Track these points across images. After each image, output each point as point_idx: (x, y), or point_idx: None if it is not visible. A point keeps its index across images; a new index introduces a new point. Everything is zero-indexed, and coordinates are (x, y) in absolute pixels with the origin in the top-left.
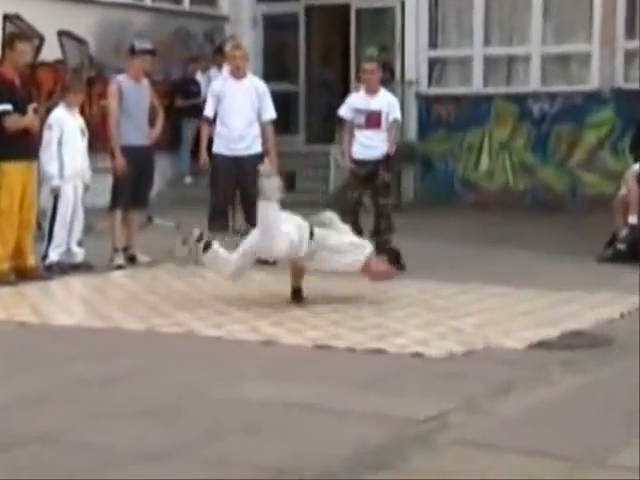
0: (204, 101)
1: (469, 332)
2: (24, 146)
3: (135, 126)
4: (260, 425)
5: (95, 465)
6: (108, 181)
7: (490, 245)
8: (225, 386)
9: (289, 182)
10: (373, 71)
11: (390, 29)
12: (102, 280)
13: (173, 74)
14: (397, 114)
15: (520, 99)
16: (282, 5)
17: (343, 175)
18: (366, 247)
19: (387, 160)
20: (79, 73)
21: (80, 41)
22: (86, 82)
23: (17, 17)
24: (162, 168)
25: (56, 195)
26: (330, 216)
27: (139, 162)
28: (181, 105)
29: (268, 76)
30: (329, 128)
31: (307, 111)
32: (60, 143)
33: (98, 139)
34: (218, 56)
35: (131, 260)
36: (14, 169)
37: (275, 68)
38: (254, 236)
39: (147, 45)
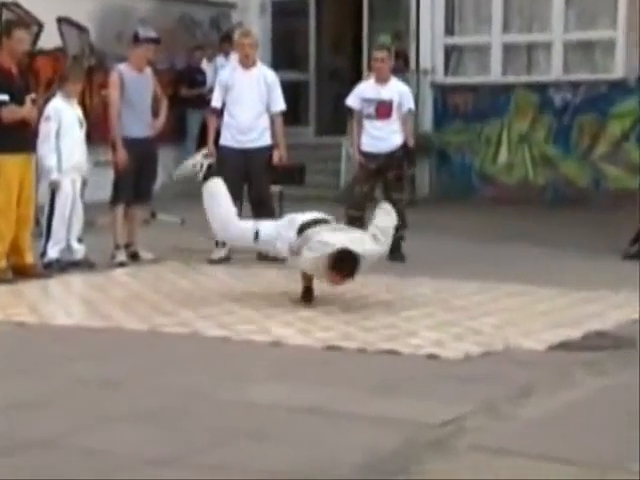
0: (210, 91)
1: (487, 333)
2: (22, 138)
3: (137, 117)
4: (267, 430)
5: (95, 471)
6: (109, 175)
7: (509, 242)
8: (231, 389)
9: (298, 176)
10: (384, 59)
11: (404, 15)
12: (103, 278)
13: (177, 63)
14: (411, 104)
15: (541, 88)
16: None
17: (353, 168)
18: (330, 246)
19: (408, 153)
20: (79, 61)
21: (80, 28)
22: (86, 71)
23: (14, 3)
24: (166, 161)
25: (53, 190)
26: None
27: (141, 155)
28: (186, 95)
29: (277, 65)
30: (340, 119)
31: (317, 101)
32: (58, 135)
33: (99, 131)
34: (225, 44)
35: (133, 257)
36: (11, 162)
37: (284, 56)
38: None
39: (151, 33)
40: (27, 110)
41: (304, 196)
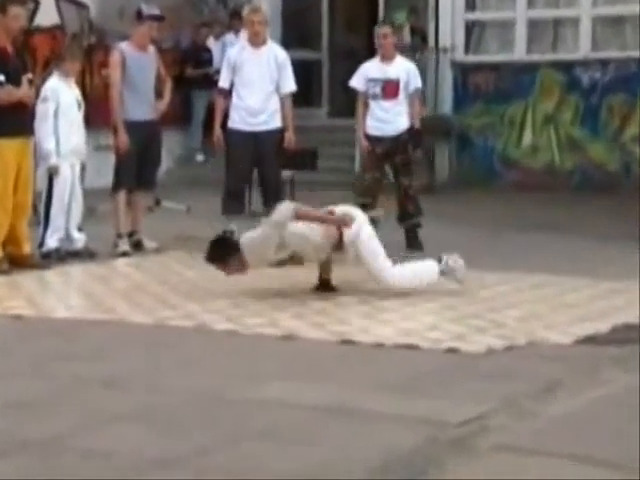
0: (217, 71)
1: (510, 326)
2: (19, 121)
3: (140, 99)
4: (278, 430)
5: (96, 473)
6: (111, 160)
7: (533, 230)
8: (240, 386)
9: (310, 160)
10: (386, 35)
11: None
12: (105, 269)
13: (183, 41)
14: (419, 82)
15: (568, 67)
16: None
17: (361, 155)
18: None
19: (414, 135)
20: (78, 40)
21: (80, 4)
22: (86, 50)
23: None
24: (170, 145)
25: (51, 175)
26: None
27: (144, 138)
28: (191, 75)
29: (288, 43)
30: (355, 100)
31: (330, 82)
32: (56, 117)
33: (100, 113)
34: (235, 21)
35: (137, 247)
36: (8, 146)
37: (295, 34)
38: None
39: (155, 10)
40: (24, 91)
41: (317, 182)
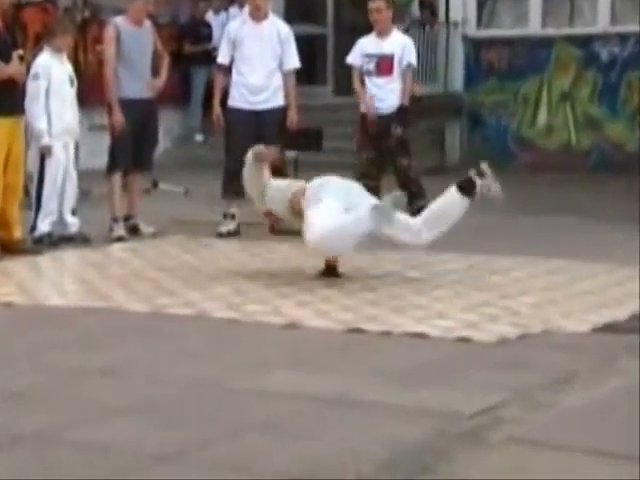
0: (216, 47)
1: (524, 313)
2: (9, 99)
3: (136, 76)
4: (281, 422)
5: (93, 467)
6: (105, 140)
7: (548, 213)
8: (241, 377)
9: (315, 140)
10: (379, 9)
11: None
12: (100, 254)
13: (181, 15)
14: (412, 58)
15: (585, 42)
16: None
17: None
18: None
19: (400, 113)
20: (70, 14)
21: None
22: (79, 25)
23: None
24: (168, 124)
25: (43, 156)
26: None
27: (141, 118)
28: (190, 51)
29: (291, 18)
30: None
31: (336, 58)
32: (47, 94)
33: (94, 91)
34: None
35: (133, 231)
36: None
37: (299, 8)
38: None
39: None
40: (14, 68)
41: (321, 163)
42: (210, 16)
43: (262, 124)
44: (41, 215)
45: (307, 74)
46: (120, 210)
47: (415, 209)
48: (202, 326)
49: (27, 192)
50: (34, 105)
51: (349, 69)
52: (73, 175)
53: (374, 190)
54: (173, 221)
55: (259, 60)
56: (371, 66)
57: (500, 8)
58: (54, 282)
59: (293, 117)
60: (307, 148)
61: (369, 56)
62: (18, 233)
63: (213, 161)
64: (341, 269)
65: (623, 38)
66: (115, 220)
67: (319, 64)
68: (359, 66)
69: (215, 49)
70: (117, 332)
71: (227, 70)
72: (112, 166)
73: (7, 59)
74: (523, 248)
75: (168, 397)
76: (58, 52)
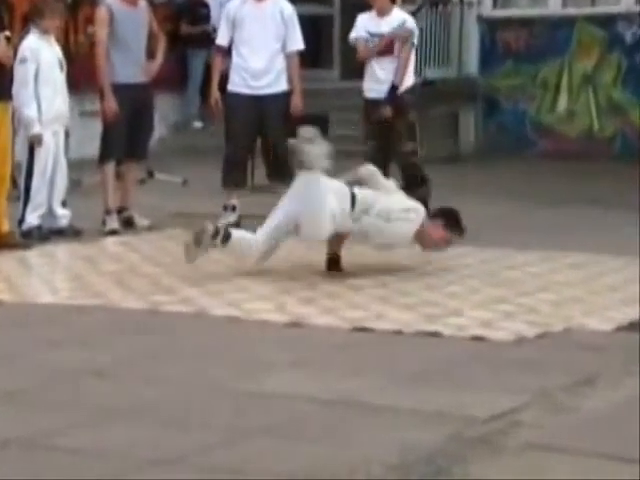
0: (215, 28)
1: (544, 311)
2: None
3: (130, 59)
4: (286, 425)
5: (87, 474)
6: (98, 127)
7: (569, 204)
8: (243, 378)
9: (320, 128)
10: None
11: None
12: (92, 249)
13: None
14: (413, 37)
15: (608, 22)
16: None
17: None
18: (420, 210)
19: (390, 92)
20: None
21: None
22: (69, 5)
23: None
24: (165, 110)
25: (32, 145)
26: (370, 171)
27: (135, 103)
28: (188, 32)
29: None
30: None
31: (343, 40)
32: (36, 79)
33: (85, 76)
34: None
35: (127, 224)
36: None
37: None
38: (287, 211)
39: None
40: (1, 50)
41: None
42: None
43: (264, 110)
44: (30, 207)
45: (312, 57)
46: (113, 202)
47: (419, 195)
48: (201, 324)
49: (15, 183)
50: (23, 91)
51: (356, 51)
52: (63, 165)
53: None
54: (170, 213)
55: (260, 42)
56: (371, 46)
57: None
58: (44, 278)
59: (297, 102)
60: None
61: (371, 35)
62: (5, 226)
63: (212, 149)
64: (347, 264)
65: None
66: (108, 212)
67: (325, 46)
68: (363, 37)
69: (214, 30)
70: (112, 331)
71: (226, 52)
72: (105, 155)
73: None
74: (542, 241)
75: (165, 399)
76: (46, 34)
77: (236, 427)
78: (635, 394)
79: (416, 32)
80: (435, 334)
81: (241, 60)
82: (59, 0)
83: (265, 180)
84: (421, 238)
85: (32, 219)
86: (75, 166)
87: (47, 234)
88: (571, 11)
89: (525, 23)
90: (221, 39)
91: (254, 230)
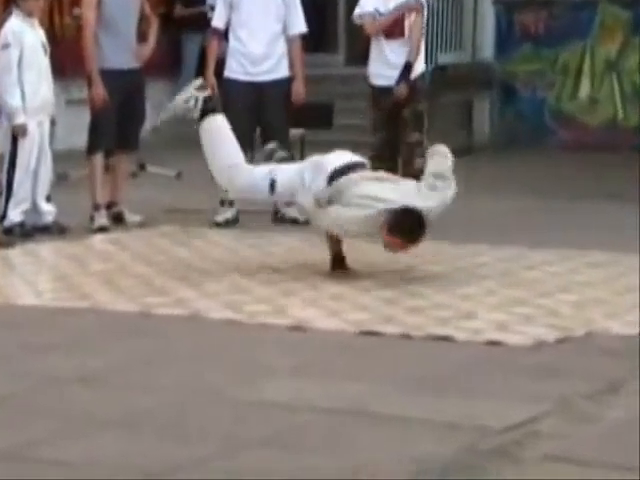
0: (212, 8)
1: (564, 313)
2: None
3: (120, 43)
4: (288, 436)
5: None
6: (85, 116)
7: (591, 199)
8: (242, 385)
9: (324, 116)
10: None
11: None
12: (79, 247)
13: None
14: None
15: (633, 2)
16: None
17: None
18: (387, 204)
19: (405, 70)
20: None
21: None
22: None
23: None
24: (157, 98)
25: (15, 136)
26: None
27: (126, 90)
28: (182, 14)
29: None
30: None
31: (348, 22)
32: (20, 65)
33: (71, 61)
34: None
35: (117, 220)
36: None
37: None
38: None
39: None
40: None
41: (332, 141)
42: None
43: (264, 98)
44: (12, 203)
45: (315, 40)
46: (102, 196)
47: None
48: (196, 328)
49: None
50: (6, 78)
51: (363, 35)
52: (48, 157)
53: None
54: (163, 209)
55: (260, 24)
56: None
57: None
58: (27, 279)
59: (299, 90)
60: (316, 125)
61: (379, 14)
62: None
63: None
64: (353, 263)
65: None
66: (96, 208)
67: (329, 29)
68: (371, 12)
69: (212, 9)
70: (100, 335)
71: (223, 35)
72: (93, 146)
73: None
74: (561, 239)
75: (159, 408)
76: (29, 16)
77: (234, 437)
78: None
79: (425, 5)
80: (447, 338)
81: (239, 44)
82: None
83: None
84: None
85: (15, 215)
86: (61, 158)
87: (31, 231)
88: None
89: (544, 4)
90: (217, 21)
91: (252, 229)
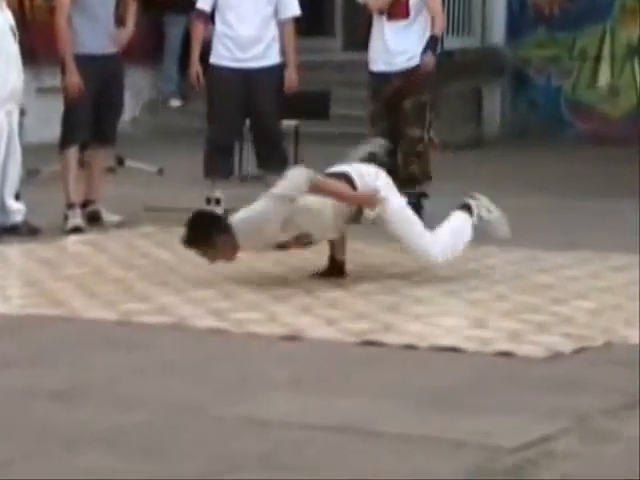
0: None
1: (581, 321)
2: None
3: (96, 26)
4: (282, 455)
5: None
6: (58, 106)
7: (611, 197)
8: (231, 400)
9: (320, 106)
10: None
11: None
12: (52, 249)
13: None
14: None
15: None
16: None
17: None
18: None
19: (432, 42)
20: None
21: None
22: None
23: None
24: (137, 87)
25: None
26: (374, 151)
27: (103, 78)
28: None
29: None
30: None
31: (346, 4)
32: None
33: (43, 46)
34: None
35: (93, 220)
36: None
37: None
38: None
39: None
40: None
41: (328, 133)
42: None
43: (253, 86)
44: None
45: (310, 23)
46: (77, 194)
47: (415, 195)
48: (180, 338)
49: None
50: None
51: (363, 18)
52: (17, 150)
53: (389, 172)
54: (143, 208)
55: (249, 6)
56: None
57: None
58: None
59: (292, 77)
60: (310, 116)
61: None
62: None
63: (193, 132)
64: (351, 264)
65: None
66: (70, 206)
67: (325, 11)
68: None
69: None
70: (75, 346)
71: (209, 18)
72: (66, 139)
73: None
74: (578, 239)
75: (139, 426)
76: None
77: (222, 457)
78: None
79: None
80: (454, 349)
81: (226, 27)
82: None
83: (255, 168)
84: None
85: None
86: (31, 152)
87: None
88: None
89: None
90: (202, 3)
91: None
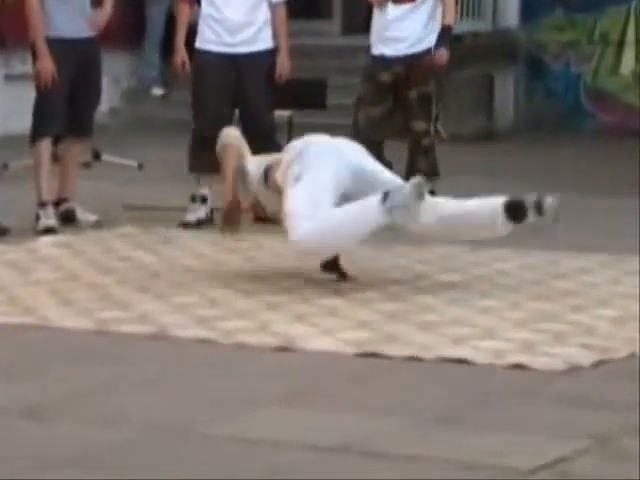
0: None
1: (602, 331)
2: None
3: (70, 8)
4: (276, 478)
5: None
6: (29, 95)
7: (634, 193)
8: (219, 418)
9: (316, 95)
10: None
11: None
12: (21, 252)
13: None
14: None
15: None
16: None
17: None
18: None
19: (444, 34)
20: None
21: None
22: None
23: None
24: (116, 73)
25: None
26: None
27: (78, 64)
28: None
29: None
30: None
31: None
32: None
33: (13, 30)
34: None
35: (68, 220)
36: None
37: None
38: None
39: None
40: None
41: (324, 124)
42: None
43: (242, 73)
44: None
45: (305, 5)
46: (49, 192)
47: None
48: (163, 349)
49: None
50: None
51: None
52: None
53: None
54: (122, 206)
55: None
56: None
57: None
58: None
59: (284, 63)
60: (305, 105)
61: None
62: None
63: (176, 123)
64: (352, 270)
65: None
66: (43, 205)
67: None
68: None
69: None
70: (48, 358)
71: (194, 0)
72: (38, 131)
73: None
74: (598, 241)
75: (119, 445)
76: None
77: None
78: None
79: None
80: (463, 361)
81: (213, 9)
82: None
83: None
84: None
85: None
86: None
87: None
88: None
89: None
90: None
91: None
